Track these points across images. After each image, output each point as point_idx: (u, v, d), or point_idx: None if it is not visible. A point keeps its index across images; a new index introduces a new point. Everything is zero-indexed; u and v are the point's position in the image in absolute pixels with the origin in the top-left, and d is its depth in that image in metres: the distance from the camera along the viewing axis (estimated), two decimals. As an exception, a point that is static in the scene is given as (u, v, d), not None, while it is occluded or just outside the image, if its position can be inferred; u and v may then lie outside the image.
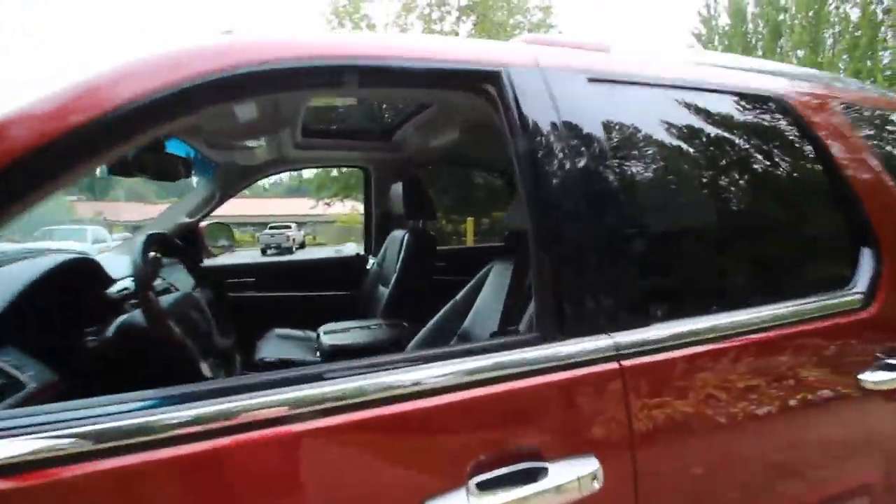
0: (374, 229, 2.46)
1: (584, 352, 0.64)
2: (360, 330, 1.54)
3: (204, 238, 2.18)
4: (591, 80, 0.77)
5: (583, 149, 0.72)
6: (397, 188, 1.98)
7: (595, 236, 0.70)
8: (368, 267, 2.29)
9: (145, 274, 0.98)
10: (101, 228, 11.69)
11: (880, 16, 8.74)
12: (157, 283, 1.24)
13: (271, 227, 15.70)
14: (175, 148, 1.54)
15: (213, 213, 2.12)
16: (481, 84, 0.73)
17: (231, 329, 1.42)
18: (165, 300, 1.12)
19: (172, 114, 0.60)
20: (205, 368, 1.05)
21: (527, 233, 0.71)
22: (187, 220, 1.97)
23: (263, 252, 14.30)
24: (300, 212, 17.76)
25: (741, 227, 0.90)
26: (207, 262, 2.18)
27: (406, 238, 1.92)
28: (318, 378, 0.56)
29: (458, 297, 1.37)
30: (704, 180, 0.90)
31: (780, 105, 0.91)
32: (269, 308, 2.21)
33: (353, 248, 2.99)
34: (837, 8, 9.24)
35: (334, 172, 10.76)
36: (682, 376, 0.69)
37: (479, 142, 1.83)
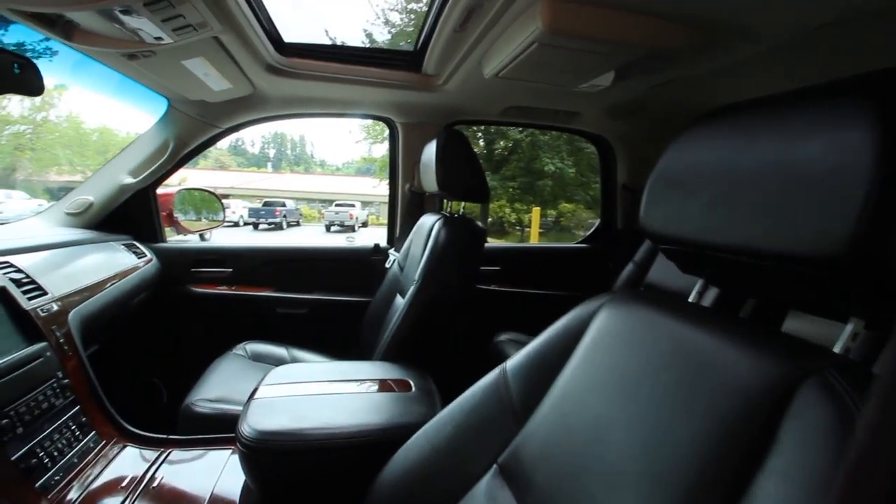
0: (402, 212, 1.74)
1: None
2: (324, 395, 0.82)
3: (172, 209, 1.61)
4: None
5: None
6: (430, 149, 1.24)
7: None
8: (388, 266, 1.58)
9: None
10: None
11: None
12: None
13: (337, 205, 15.83)
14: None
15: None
16: None
17: None
18: None
19: None
20: None
21: None
22: (130, 181, 1.39)
23: (328, 229, 14.38)
24: (369, 192, 17.80)
25: None
26: (174, 242, 1.61)
27: (436, 227, 1.18)
28: None
29: (509, 365, 0.60)
30: None
31: None
32: (242, 311, 1.60)
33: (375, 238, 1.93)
34: None
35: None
36: None
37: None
